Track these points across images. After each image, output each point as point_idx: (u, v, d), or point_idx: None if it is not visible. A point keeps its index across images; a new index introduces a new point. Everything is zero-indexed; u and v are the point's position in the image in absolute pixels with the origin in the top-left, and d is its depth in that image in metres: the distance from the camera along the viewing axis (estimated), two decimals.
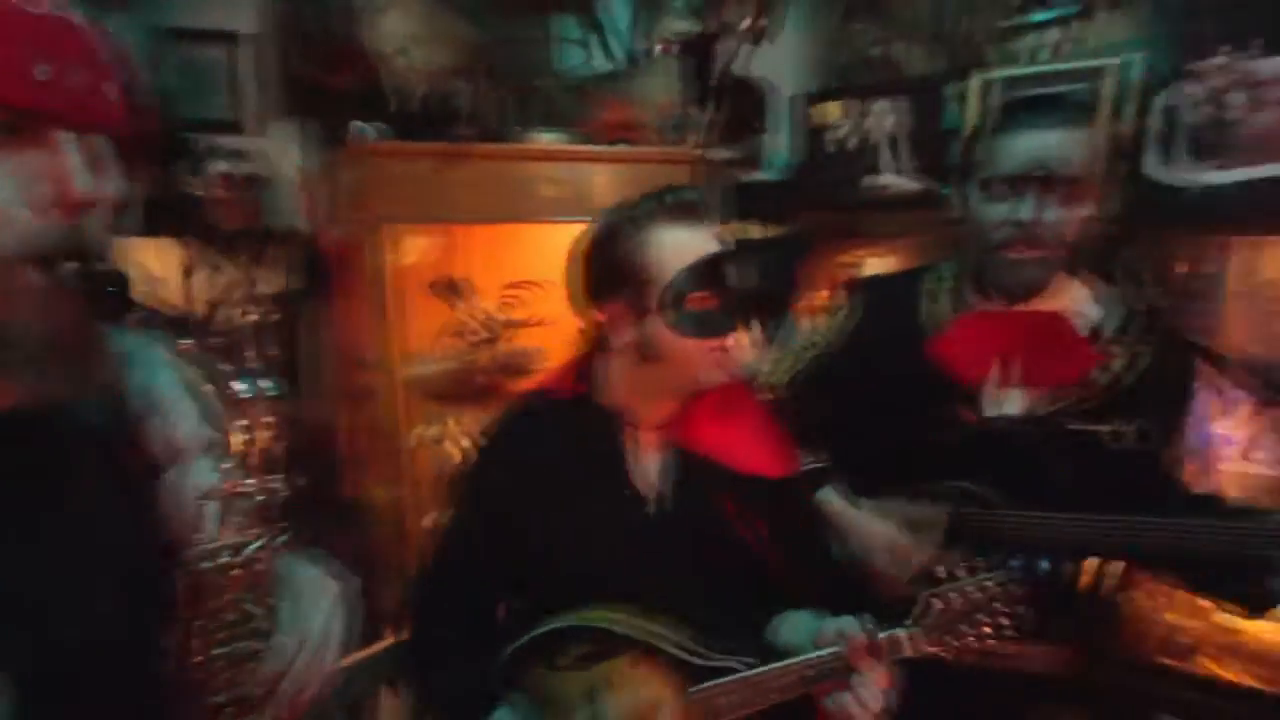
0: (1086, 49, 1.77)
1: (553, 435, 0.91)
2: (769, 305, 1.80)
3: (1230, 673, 1.65)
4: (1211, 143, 1.45)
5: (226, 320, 1.97)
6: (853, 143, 1.91)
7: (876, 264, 2.23)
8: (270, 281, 1.97)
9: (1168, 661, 1.69)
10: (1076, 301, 1.05)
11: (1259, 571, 0.86)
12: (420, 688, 0.97)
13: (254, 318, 1.97)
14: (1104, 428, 1.01)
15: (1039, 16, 1.85)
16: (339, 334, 2.06)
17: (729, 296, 0.83)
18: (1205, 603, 1.71)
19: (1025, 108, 1.00)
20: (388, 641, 1.50)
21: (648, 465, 0.91)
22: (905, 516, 1.06)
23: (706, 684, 0.78)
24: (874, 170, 1.91)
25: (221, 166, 1.87)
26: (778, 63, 2.41)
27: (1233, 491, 1.63)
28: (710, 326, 0.83)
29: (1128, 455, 1.00)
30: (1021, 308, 1.04)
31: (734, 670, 0.78)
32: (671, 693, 0.79)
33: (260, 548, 0.55)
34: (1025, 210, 0.94)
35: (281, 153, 2.12)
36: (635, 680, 0.81)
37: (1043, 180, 0.94)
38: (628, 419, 0.91)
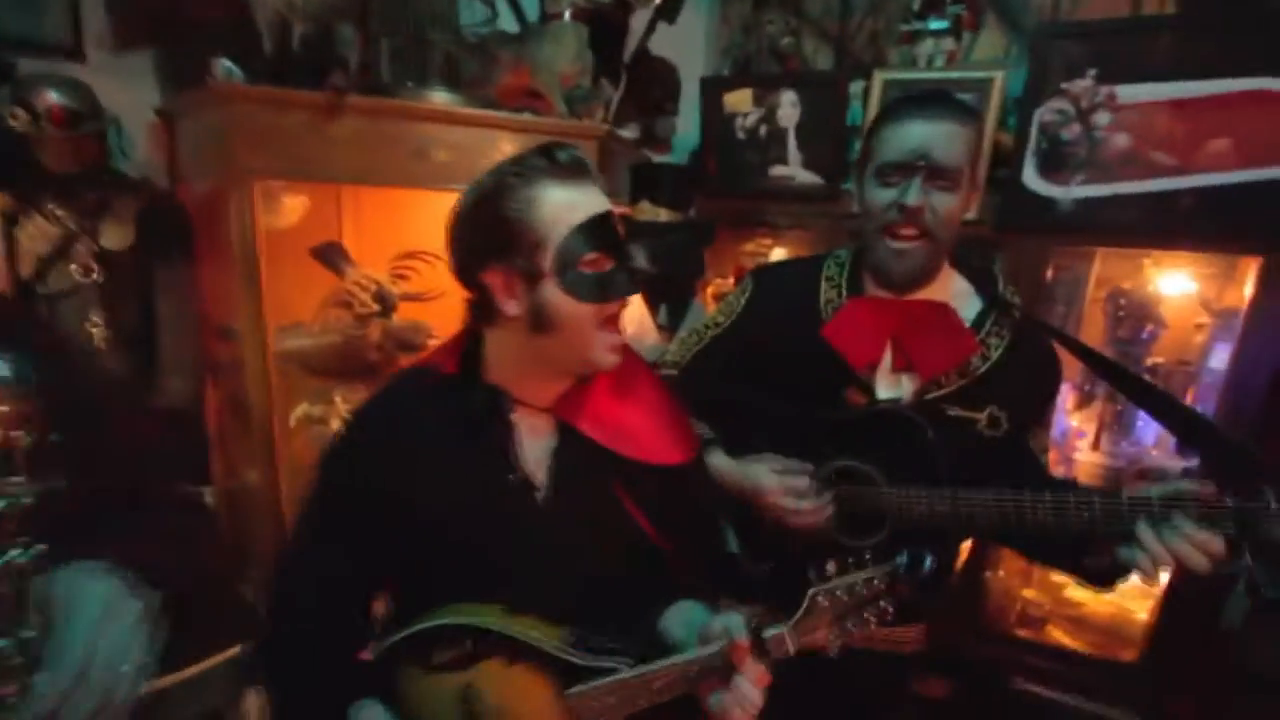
0: (977, 60, 1.87)
1: (431, 415, 0.83)
2: (673, 288, 1.80)
3: (1077, 642, 1.83)
4: (1081, 158, 1.57)
5: (61, 280, 1.70)
6: (762, 131, 1.92)
7: (781, 253, 2.28)
8: (116, 237, 1.72)
9: (1024, 633, 1.86)
10: (958, 294, 1.10)
11: (1107, 545, 0.93)
12: (278, 689, 0.88)
13: (95, 277, 1.72)
14: (979, 414, 1.07)
15: (935, 24, 1.93)
16: (200, 300, 1.84)
17: (623, 257, 0.80)
18: (1058, 578, 1.90)
19: (914, 102, 1.03)
20: (246, 644, 1.36)
21: (536, 449, 0.85)
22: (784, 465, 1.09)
23: (586, 684, 0.74)
24: (781, 161, 1.93)
25: (52, 98, 1.60)
26: (686, 45, 2.40)
27: (1083, 479, 1.80)
28: (605, 289, 0.78)
29: (999, 440, 1.07)
30: (910, 297, 1.08)
31: (615, 670, 0.74)
32: (549, 694, 0.75)
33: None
34: (910, 195, 0.98)
35: (129, 88, 1.86)
36: (511, 681, 0.76)
37: (926, 168, 0.98)
38: (515, 399, 0.84)
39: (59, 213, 1.68)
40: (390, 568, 0.86)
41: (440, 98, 1.51)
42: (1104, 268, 1.79)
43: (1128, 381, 1.06)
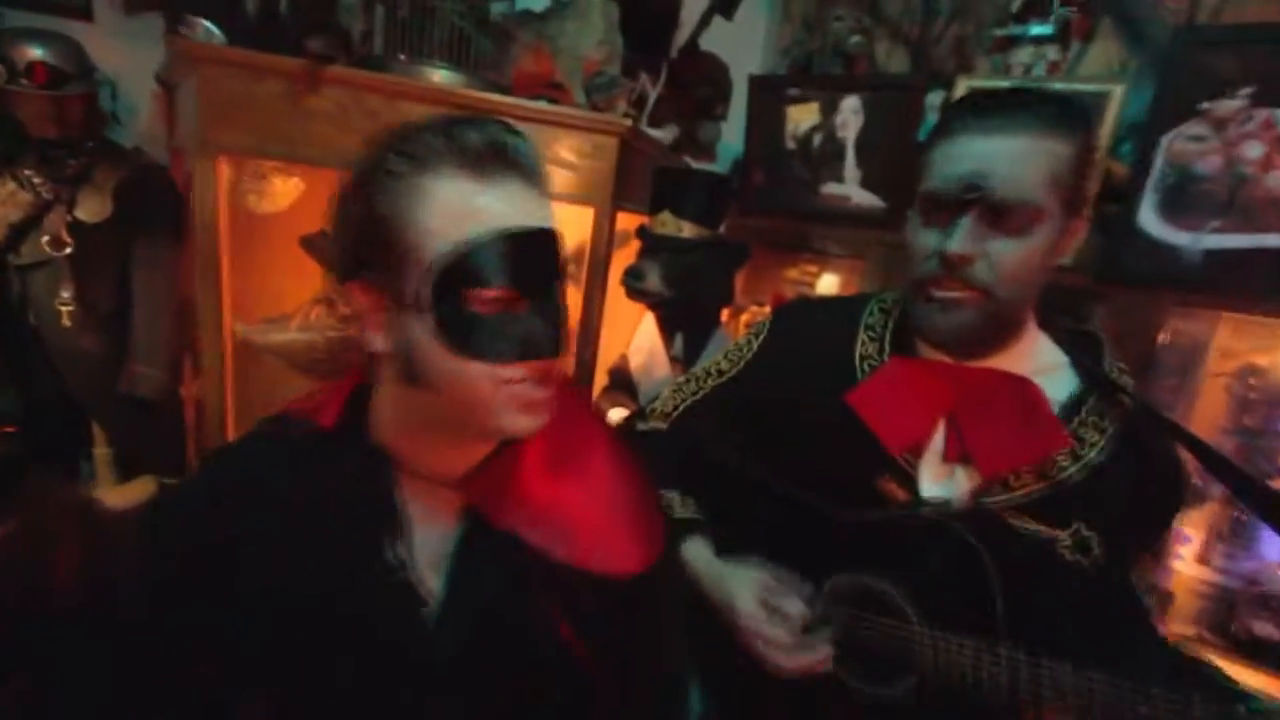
0: (1087, 74, 1.55)
1: (290, 485, 0.60)
2: (692, 315, 1.55)
3: None
4: (1218, 199, 1.24)
5: (33, 251, 1.58)
6: (816, 142, 1.65)
7: (830, 283, 2.00)
8: (92, 208, 1.59)
9: None
10: (1044, 366, 0.81)
11: None
12: None
13: (69, 251, 1.58)
14: (1061, 533, 0.77)
15: (1037, 29, 1.62)
16: (184, 283, 1.70)
17: (548, 303, 0.55)
18: None
19: (975, 108, 0.72)
20: None
21: (432, 542, 0.61)
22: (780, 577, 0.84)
23: None
24: (836, 178, 1.65)
25: (34, 54, 1.47)
26: (743, 43, 2.14)
27: (1180, 595, 1.45)
28: (500, 342, 0.53)
29: (1087, 572, 0.76)
30: (977, 364, 0.79)
31: None
32: None
33: None
34: (953, 240, 0.70)
35: (135, 52, 1.74)
36: None
37: (980, 203, 0.69)
38: (408, 468, 0.61)
39: (35, 179, 1.56)
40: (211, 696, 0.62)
41: (438, 76, 1.31)
42: (1230, 337, 1.44)
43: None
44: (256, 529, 0.59)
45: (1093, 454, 0.76)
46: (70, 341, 1.65)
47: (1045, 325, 0.83)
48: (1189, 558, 1.47)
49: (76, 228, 1.58)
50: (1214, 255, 1.25)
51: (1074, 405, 0.78)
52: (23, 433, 1.65)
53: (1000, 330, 0.77)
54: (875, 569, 0.82)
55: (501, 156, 0.54)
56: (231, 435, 1.52)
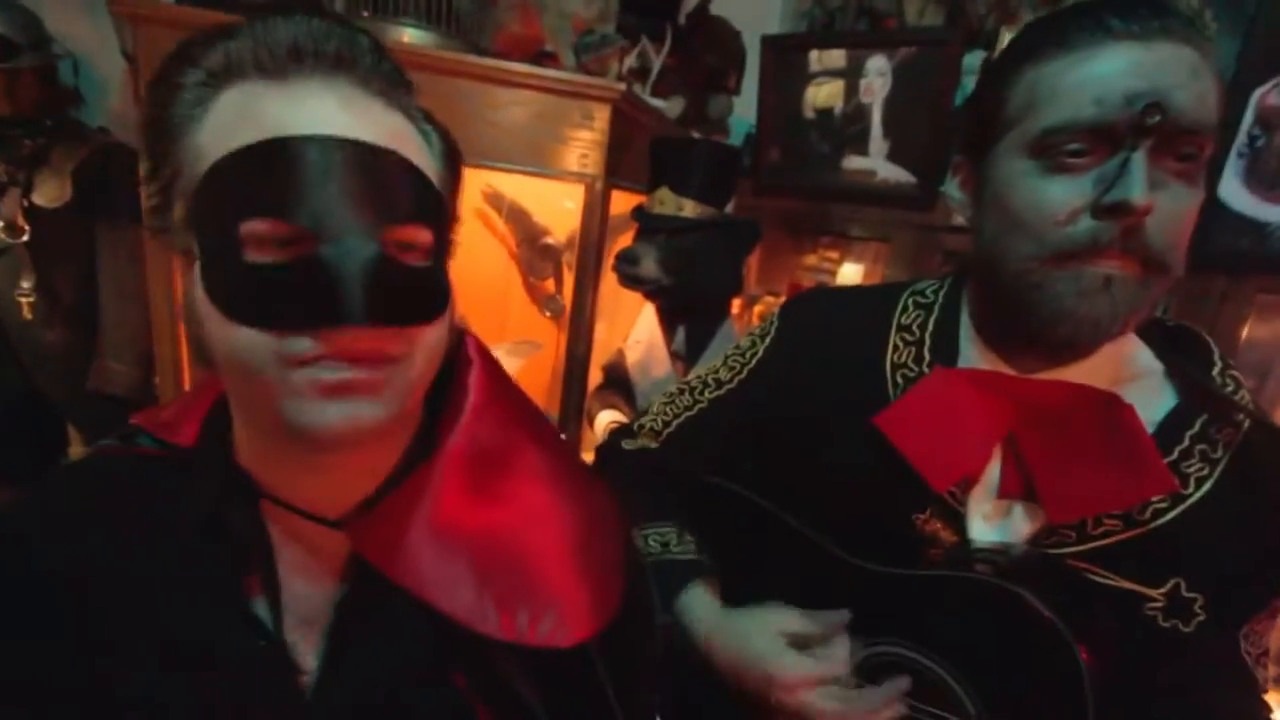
0: None
1: (133, 519, 0.46)
2: (695, 305, 1.38)
3: None
4: None
5: None
6: (838, 110, 1.46)
7: (852, 271, 1.82)
8: (50, 192, 1.48)
9: None
10: (1136, 376, 0.62)
11: None
12: None
13: (26, 238, 1.48)
14: (1154, 590, 0.59)
15: None
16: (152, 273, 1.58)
17: (355, 242, 0.37)
18: None
19: (1112, 8, 0.52)
20: None
21: (309, 598, 0.47)
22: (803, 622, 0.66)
23: None
24: (860, 150, 1.47)
25: None
26: (757, 6, 1.96)
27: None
28: (276, 301, 0.36)
29: (1186, 639, 0.59)
30: (1046, 376, 0.62)
31: None
32: None
33: None
34: (1133, 184, 0.49)
35: (102, 26, 1.62)
36: None
37: (1161, 127, 0.49)
38: (280, 500, 0.46)
39: None
40: None
41: (407, 36, 1.16)
42: None
43: None
44: (86, 573, 0.45)
45: (1199, 492, 0.58)
46: (34, 335, 1.55)
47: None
48: None
49: (34, 213, 1.47)
50: None
51: (1174, 428, 0.59)
52: None
53: (1128, 325, 0.56)
54: (917, 636, 0.64)
55: (307, 51, 0.38)
56: None
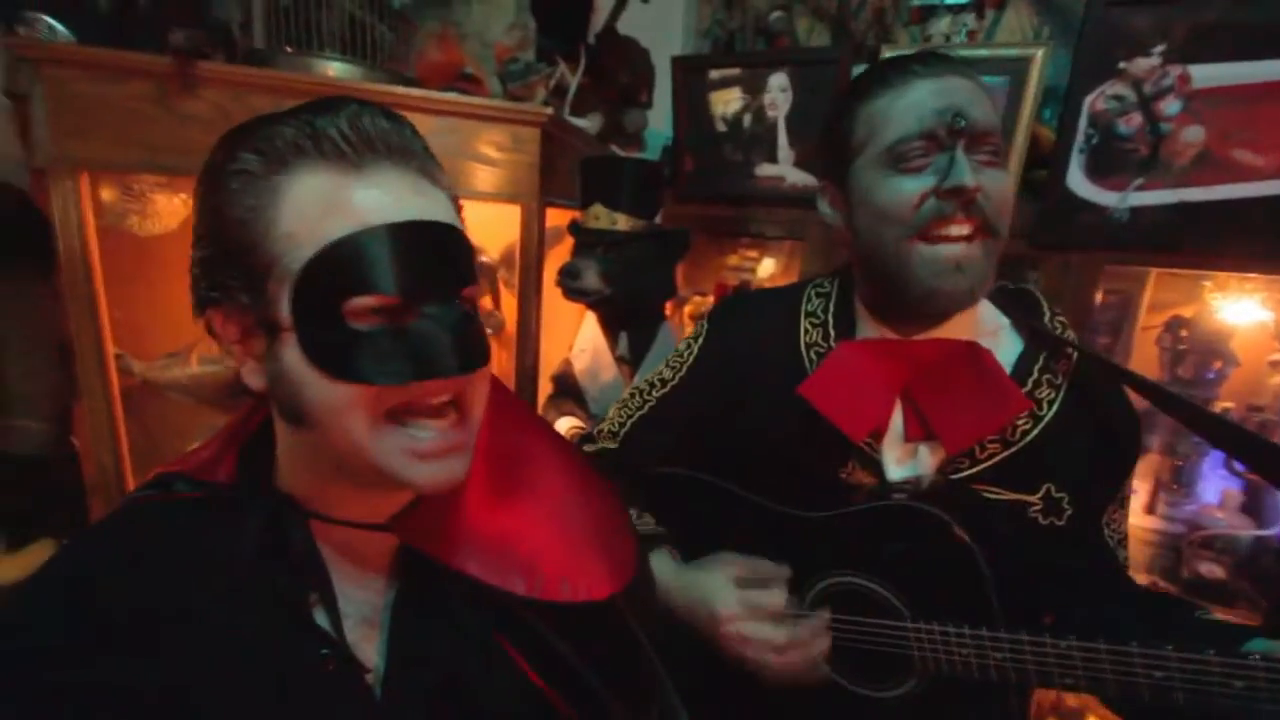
0: (1004, 41, 1.56)
1: (191, 559, 0.49)
2: (636, 312, 1.47)
3: None
4: (1141, 157, 1.26)
5: None
6: (747, 123, 1.59)
7: (770, 266, 1.96)
8: None
9: None
10: (988, 330, 0.79)
11: None
12: None
13: None
14: (1032, 496, 0.75)
15: None
16: (61, 320, 1.50)
17: (442, 307, 0.45)
18: None
19: (915, 59, 0.72)
20: None
21: (361, 602, 0.52)
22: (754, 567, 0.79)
23: None
24: (769, 158, 1.61)
25: None
26: (661, 26, 2.07)
27: (1132, 546, 1.49)
28: (385, 361, 0.43)
29: (1061, 532, 0.75)
30: (921, 337, 0.77)
31: None
32: None
33: None
34: (958, 170, 0.67)
35: None
36: None
37: (967, 131, 0.68)
38: (323, 515, 0.50)
39: None
40: None
41: (332, 69, 1.18)
42: (1157, 292, 1.48)
43: (1245, 443, 0.74)
44: (153, 611, 0.47)
45: (1050, 412, 0.75)
46: None
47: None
48: (1137, 509, 1.51)
49: None
50: (1140, 212, 1.27)
51: (1024, 366, 0.77)
52: None
53: (988, 284, 0.73)
54: (857, 565, 0.78)
55: (374, 142, 0.44)
56: (131, 487, 1.35)
